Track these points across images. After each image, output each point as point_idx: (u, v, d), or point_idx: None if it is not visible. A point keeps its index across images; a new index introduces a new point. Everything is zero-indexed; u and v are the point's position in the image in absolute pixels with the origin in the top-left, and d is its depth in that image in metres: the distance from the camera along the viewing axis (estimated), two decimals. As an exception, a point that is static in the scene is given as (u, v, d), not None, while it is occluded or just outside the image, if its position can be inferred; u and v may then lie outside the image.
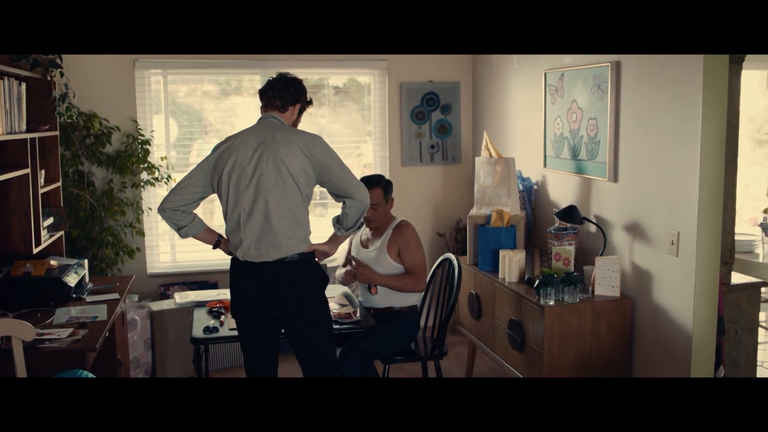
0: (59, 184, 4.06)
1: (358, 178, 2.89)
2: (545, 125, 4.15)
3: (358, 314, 3.31)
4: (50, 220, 3.88)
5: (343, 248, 3.51)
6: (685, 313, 3.04)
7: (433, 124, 5.26)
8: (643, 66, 3.23)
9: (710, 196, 2.94)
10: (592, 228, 3.70)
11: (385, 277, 3.55)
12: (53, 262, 3.58)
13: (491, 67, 4.92)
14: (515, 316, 3.53)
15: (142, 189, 4.68)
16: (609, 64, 3.44)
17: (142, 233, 4.71)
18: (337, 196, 2.85)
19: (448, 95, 5.26)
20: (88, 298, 3.46)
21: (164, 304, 4.43)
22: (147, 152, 4.61)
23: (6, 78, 3.27)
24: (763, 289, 3.68)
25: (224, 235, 2.93)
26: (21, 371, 2.55)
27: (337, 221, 2.91)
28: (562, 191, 4.02)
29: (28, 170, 3.51)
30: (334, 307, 3.37)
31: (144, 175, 4.66)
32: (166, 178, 4.66)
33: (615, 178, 3.48)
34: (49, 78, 3.89)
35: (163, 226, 4.82)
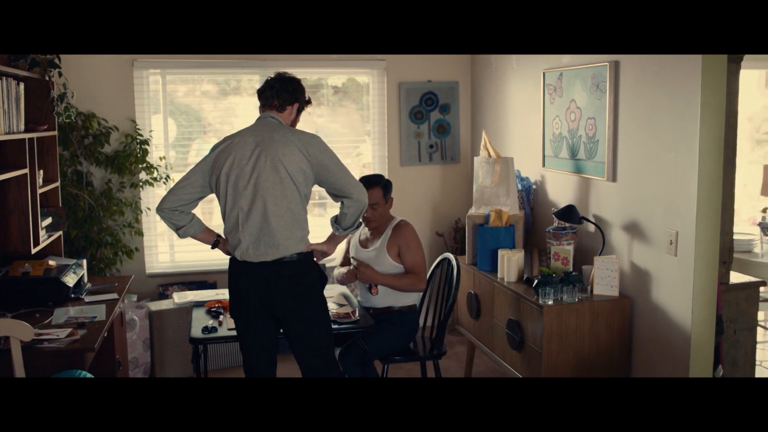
0: (58, 184, 4.06)
1: (357, 177, 2.89)
2: (544, 125, 4.15)
3: (356, 314, 3.31)
4: (49, 220, 3.88)
5: (341, 248, 3.51)
6: (683, 313, 3.04)
7: (432, 123, 5.26)
8: (642, 66, 3.23)
9: (709, 196, 2.94)
10: (591, 227, 3.70)
11: (386, 276, 3.54)
12: (52, 262, 3.58)
13: (490, 67, 4.92)
14: (514, 315, 3.53)
15: (140, 189, 4.67)
16: (608, 63, 3.44)
17: (140, 233, 4.70)
18: (335, 196, 2.85)
19: (446, 95, 5.26)
20: (87, 298, 3.46)
21: (163, 304, 4.43)
22: (145, 152, 4.61)
23: (4, 78, 3.27)
24: (761, 289, 3.68)
25: (223, 235, 2.93)
26: (19, 371, 2.55)
27: (336, 221, 2.91)
28: (560, 191, 4.02)
29: (26, 170, 3.50)
30: (332, 306, 3.37)
31: (143, 175, 4.66)
32: (165, 178, 4.66)
33: (614, 177, 3.48)
34: (47, 78, 3.88)
35: (161, 226, 4.82)
